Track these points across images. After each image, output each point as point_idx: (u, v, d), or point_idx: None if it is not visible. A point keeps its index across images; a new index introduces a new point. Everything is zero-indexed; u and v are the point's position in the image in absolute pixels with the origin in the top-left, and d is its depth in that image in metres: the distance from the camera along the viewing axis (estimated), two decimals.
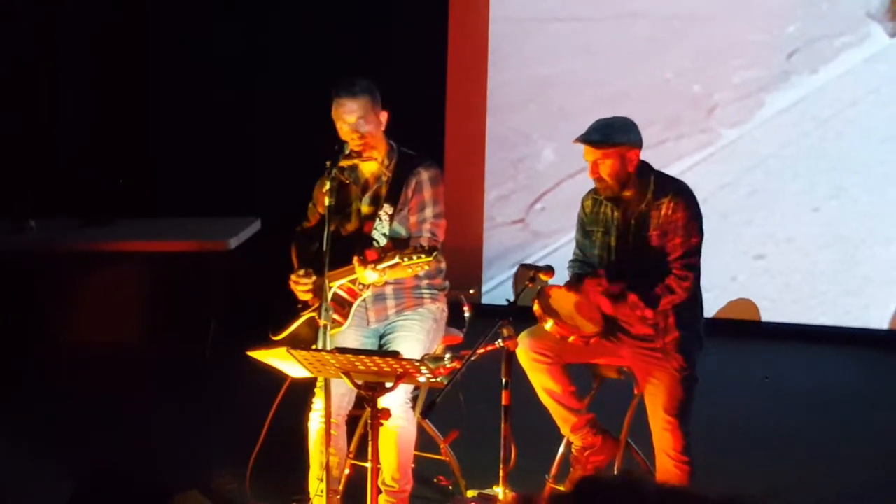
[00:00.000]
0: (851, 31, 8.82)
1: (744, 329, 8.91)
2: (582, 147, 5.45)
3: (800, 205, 9.05)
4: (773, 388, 7.76)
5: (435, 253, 4.90)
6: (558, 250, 9.17)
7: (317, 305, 5.18)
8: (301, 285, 5.29)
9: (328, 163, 5.18)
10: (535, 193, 9.60)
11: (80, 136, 9.64)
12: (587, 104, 9.11)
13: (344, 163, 5.28)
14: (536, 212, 9.60)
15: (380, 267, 4.93)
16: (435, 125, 9.50)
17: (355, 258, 4.99)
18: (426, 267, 4.95)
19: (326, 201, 5.06)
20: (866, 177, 8.88)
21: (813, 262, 9.05)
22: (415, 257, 4.86)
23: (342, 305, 5.28)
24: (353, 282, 5.17)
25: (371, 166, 5.45)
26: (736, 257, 8.96)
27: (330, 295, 5.01)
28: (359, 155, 5.32)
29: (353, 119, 5.29)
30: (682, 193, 5.43)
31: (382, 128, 5.41)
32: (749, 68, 9.07)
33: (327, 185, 5.08)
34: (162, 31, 9.61)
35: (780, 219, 9.08)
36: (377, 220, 5.35)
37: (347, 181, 5.45)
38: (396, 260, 4.87)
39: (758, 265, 9.07)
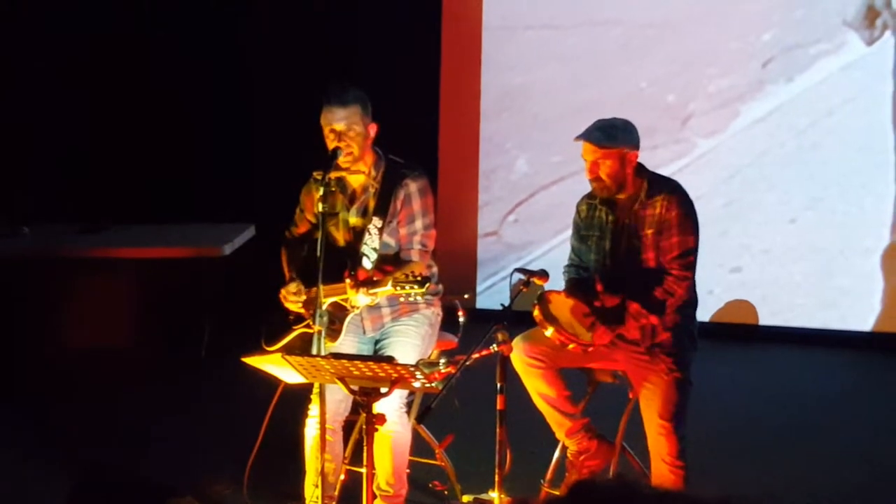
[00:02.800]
0: (828, 38, 9.18)
1: (736, 333, 9.27)
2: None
3: (776, 216, 9.38)
4: (765, 391, 8.12)
5: (428, 285, 5.21)
6: (532, 263, 9.46)
7: (309, 321, 5.45)
8: (291, 302, 5.56)
9: (319, 173, 5.47)
10: (509, 205, 9.91)
11: (75, 142, 9.91)
12: (560, 113, 9.47)
13: (331, 174, 5.49)
14: (510, 224, 9.92)
15: (371, 291, 5.26)
16: (429, 130, 9.83)
17: (347, 280, 5.30)
18: (419, 297, 5.29)
19: (320, 207, 5.31)
20: (843, 187, 9.22)
21: (790, 274, 9.38)
22: (407, 287, 5.19)
23: (332, 322, 5.49)
24: (345, 300, 5.44)
25: (358, 177, 5.69)
26: (712, 270, 9.17)
27: (324, 306, 5.29)
28: (346, 169, 5.58)
29: (340, 127, 5.51)
30: (675, 192, 5.72)
31: (370, 140, 5.62)
32: (724, 77, 9.42)
33: (321, 191, 5.34)
34: (158, 37, 9.92)
35: (756, 230, 9.41)
36: (366, 233, 5.61)
37: (334, 190, 5.67)
38: (388, 287, 5.21)
39: (734, 278, 9.39)
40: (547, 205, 9.69)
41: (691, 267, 5.68)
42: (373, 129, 5.61)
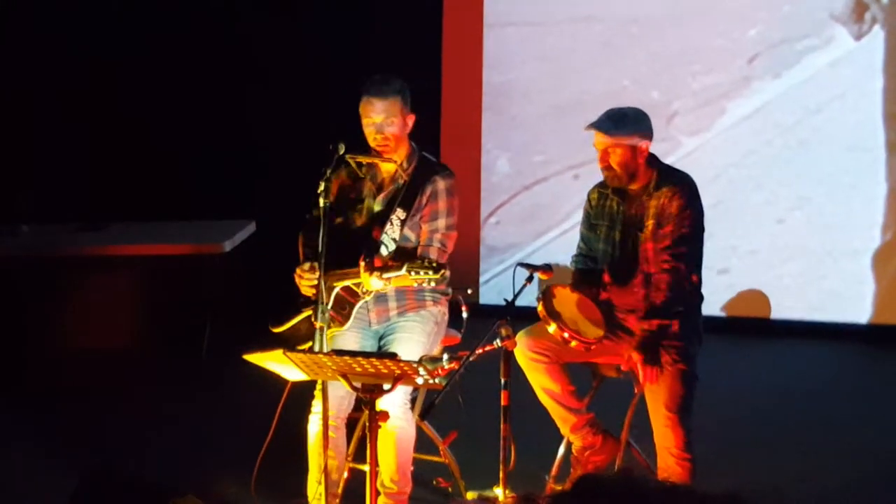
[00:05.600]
0: (815, 33, 9.47)
1: (738, 326, 9.60)
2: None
3: (763, 216, 9.69)
4: (770, 384, 8.46)
5: (442, 271, 5.49)
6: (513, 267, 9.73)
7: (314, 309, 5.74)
8: (306, 280, 5.81)
9: (352, 156, 5.85)
10: (490, 206, 10.21)
11: (74, 139, 10.22)
12: (542, 112, 9.78)
13: (362, 159, 5.90)
14: (491, 225, 10.21)
15: (386, 276, 5.55)
16: (430, 125, 9.91)
17: (362, 263, 5.59)
18: (432, 283, 5.58)
19: (321, 202, 5.60)
20: (832, 187, 9.53)
21: (777, 276, 9.71)
22: (422, 272, 5.46)
23: (342, 307, 5.83)
24: (357, 285, 5.75)
25: (389, 166, 6.02)
26: None
27: (332, 297, 5.60)
28: (379, 155, 5.92)
29: (378, 119, 5.87)
30: (681, 184, 6.03)
31: (408, 130, 6.00)
32: (709, 74, 9.72)
33: (321, 187, 5.62)
34: (158, 33, 10.23)
35: (743, 231, 9.68)
36: (388, 223, 5.92)
37: (363, 176, 6.04)
38: (403, 272, 5.48)
39: (721, 280, 9.63)
40: (529, 206, 10.00)
41: (682, 258, 5.92)
42: (411, 120, 5.99)
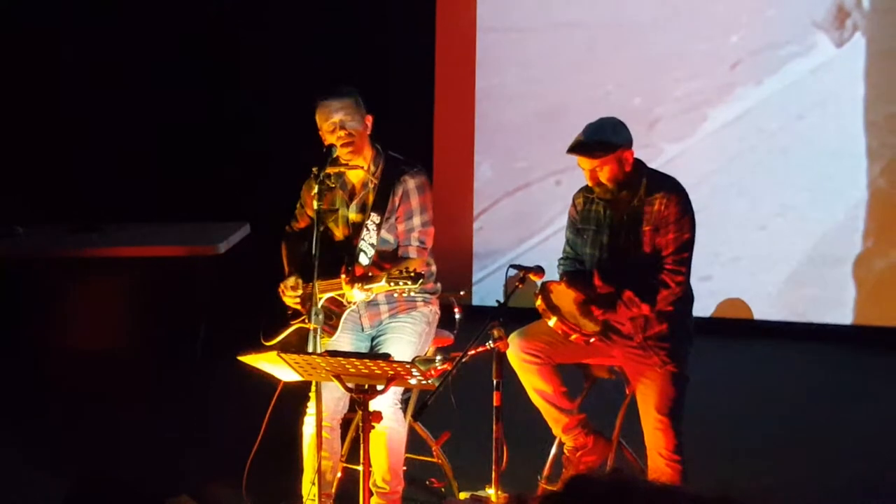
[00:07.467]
0: (797, 40, 9.70)
1: (730, 328, 9.81)
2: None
3: (746, 223, 9.89)
4: (761, 387, 8.65)
5: (421, 280, 5.61)
6: (497, 272, 9.94)
7: (305, 317, 5.91)
8: (289, 297, 6.02)
9: (315, 169, 5.86)
10: (474, 212, 10.36)
11: (68, 141, 10.38)
12: (523, 118, 9.95)
13: (330, 170, 5.95)
14: (474, 231, 10.35)
15: (366, 287, 5.69)
16: (423, 127, 10.32)
17: (343, 276, 5.73)
18: (411, 293, 5.73)
19: (315, 205, 5.74)
20: (814, 193, 9.73)
21: (760, 283, 9.90)
22: (401, 283, 5.58)
23: (329, 317, 5.97)
24: (341, 295, 5.90)
25: (358, 173, 6.14)
26: None
27: (321, 301, 5.74)
28: (345, 164, 6.03)
29: (338, 119, 5.96)
30: (674, 190, 6.19)
31: (368, 132, 6.09)
32: (692, 80, 9.92)
33: (315, 189, 5.75)
34: (153, 36, 10.40)
35: (725, 238, 9.86)
36: (364, 229, 6.05)
37: (333, 186, 6.14)
38: (383, 283, 5.61)
39: (703, 287, 9.64)
40: (512, 212, 10.15)
41: (685, 262, 6.11)
42: (369, 121, 6.07)
